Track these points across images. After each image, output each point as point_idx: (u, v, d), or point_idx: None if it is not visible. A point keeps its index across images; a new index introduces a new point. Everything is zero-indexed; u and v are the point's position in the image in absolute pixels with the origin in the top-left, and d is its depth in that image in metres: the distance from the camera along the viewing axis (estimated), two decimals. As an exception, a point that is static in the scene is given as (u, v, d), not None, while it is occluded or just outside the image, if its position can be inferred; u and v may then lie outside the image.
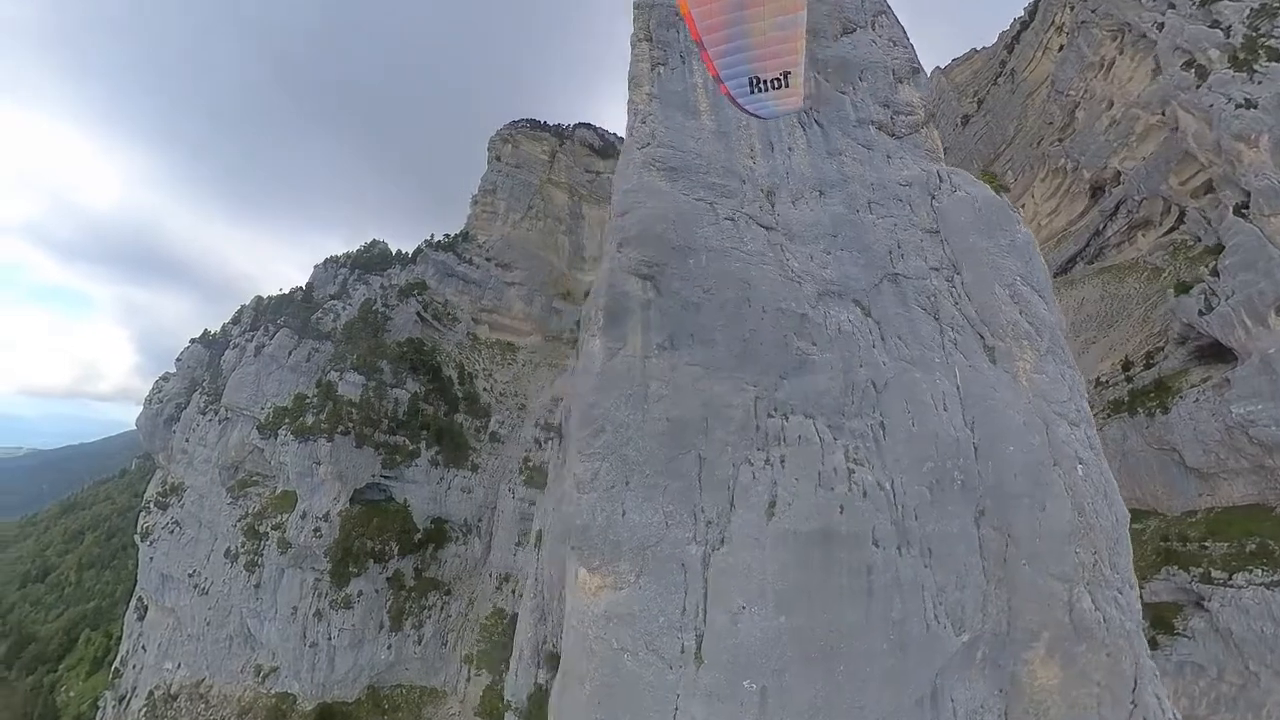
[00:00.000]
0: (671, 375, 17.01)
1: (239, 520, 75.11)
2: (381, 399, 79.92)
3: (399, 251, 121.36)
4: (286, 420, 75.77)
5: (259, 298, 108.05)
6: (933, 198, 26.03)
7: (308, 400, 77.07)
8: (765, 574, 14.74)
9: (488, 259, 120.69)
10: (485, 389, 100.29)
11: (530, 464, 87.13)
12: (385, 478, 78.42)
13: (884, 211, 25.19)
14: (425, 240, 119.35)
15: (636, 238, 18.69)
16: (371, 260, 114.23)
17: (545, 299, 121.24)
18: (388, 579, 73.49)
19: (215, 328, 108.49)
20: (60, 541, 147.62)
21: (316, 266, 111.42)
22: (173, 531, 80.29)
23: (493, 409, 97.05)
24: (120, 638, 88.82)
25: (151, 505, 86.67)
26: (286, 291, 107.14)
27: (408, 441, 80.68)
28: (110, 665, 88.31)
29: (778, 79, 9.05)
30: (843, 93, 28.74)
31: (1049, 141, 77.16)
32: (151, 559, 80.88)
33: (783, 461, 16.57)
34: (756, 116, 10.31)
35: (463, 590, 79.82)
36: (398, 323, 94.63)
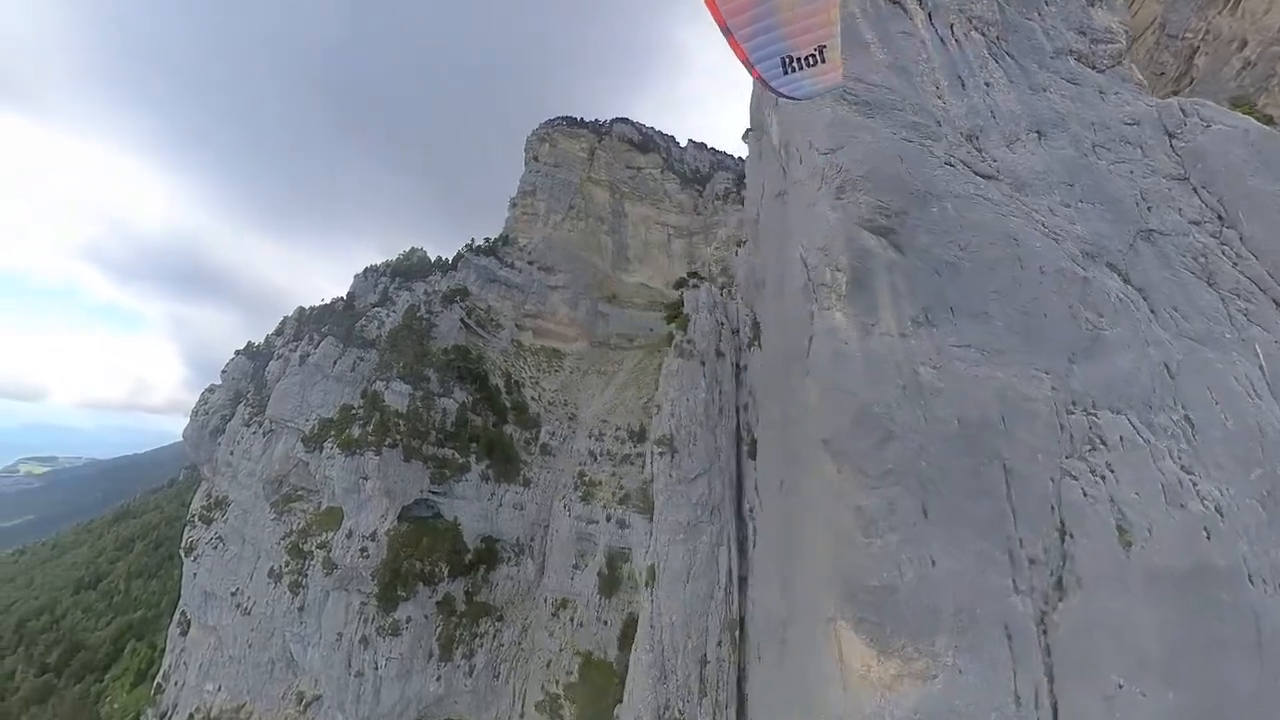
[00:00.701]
0: (939, 359, 12.88)
1: (283, 538, 73.50)
2: (429, 409, 77.69)
3: (439, 258, 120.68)
4: (332, 432, 74.07)
5: (301, 308, 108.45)
6: (1172, 136, 21.27)
7: (354, 411, 75.33)
8: (1139, 632, 10.33)
9: (529, 262, 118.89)
10: (533, 398, 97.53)
11: (586, 479, 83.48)
12: (434, 493, 75.84)
13: (1113, 156, 20.58)
14: (466, 244, 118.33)
15: (865, 179, 14.63)
16: (411, 268, 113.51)
17: (590, 302, 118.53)
18: (437, 604, 70.43)
19: (258, 340, 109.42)
20: (112, 549, 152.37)
21: (356, 276, 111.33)
22: (216, 547, 79.43)
23: (542, 419, 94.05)
24: (164, 650, 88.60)
25: (196, 519, 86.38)
26: (328, 302, 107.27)
27: (457, 454, 78.06)
28: (153, 679, 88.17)
29: (812, 55, 8.86)
30: (1029, 19, 24.32)
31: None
32: (194, 575, 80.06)
33: (1112, 471, 12.20)
34: (792, 99, 10.05)
35: (515, 616, 76.24)
36: (443, 329, 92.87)
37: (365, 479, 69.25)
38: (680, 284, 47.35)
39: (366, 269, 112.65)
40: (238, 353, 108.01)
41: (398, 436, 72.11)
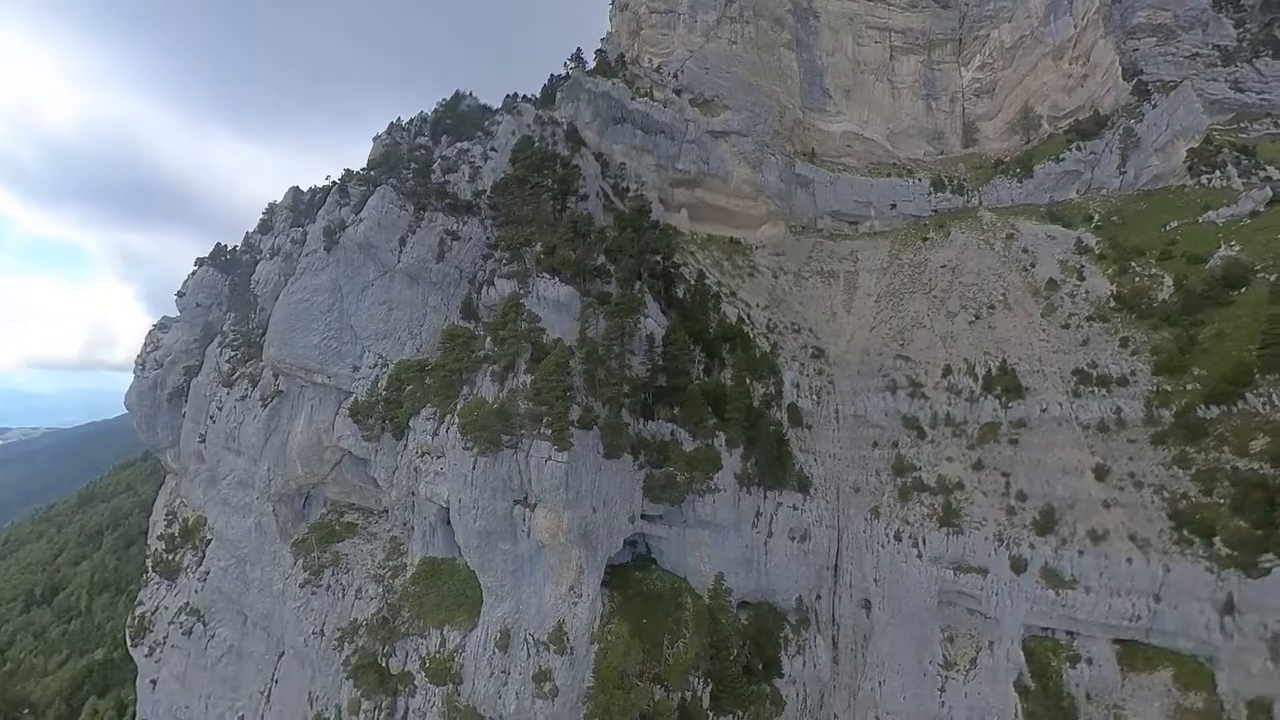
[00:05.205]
0: None
1: (334, 638, 35.75)
2: (627, 339, 37.84)
3: (514, 96, 75.76)
4: (428, 396, 35.22)
5: (298, 189, 67.32)
6: None
7: (469, 342, 35.88)
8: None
9: (676, 91, 75.53)
10: (742, 320, 57.60)
11: (918, 477, 44.47)
12: (647, 519, 37.67)
13: None
14: (569, 60, 74.28)
15: None
16: (462, 120, 67.65)
17: (781, 161, 75.65)
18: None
19: (234, 242, 69.33)
20: (75, 545, 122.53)
21: (377, 139, 66.83)
22: (188, 633, 42.80)
23: (779, 360, 54.51)
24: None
25: (151, 567, 49.85)
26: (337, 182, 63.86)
27: (690, 436, 39.22)
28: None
29: None
30: None
31: None
32: (153, 682, 44.01)
33: None
34: None
35: (824, 762, 39.70)
36: (588, 182, 51.66)
37: (530, 506, 30.67)
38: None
39: (392, 125, 68.28)
40: (201, 263, 68.56)
41: (591, 404, 32.99)
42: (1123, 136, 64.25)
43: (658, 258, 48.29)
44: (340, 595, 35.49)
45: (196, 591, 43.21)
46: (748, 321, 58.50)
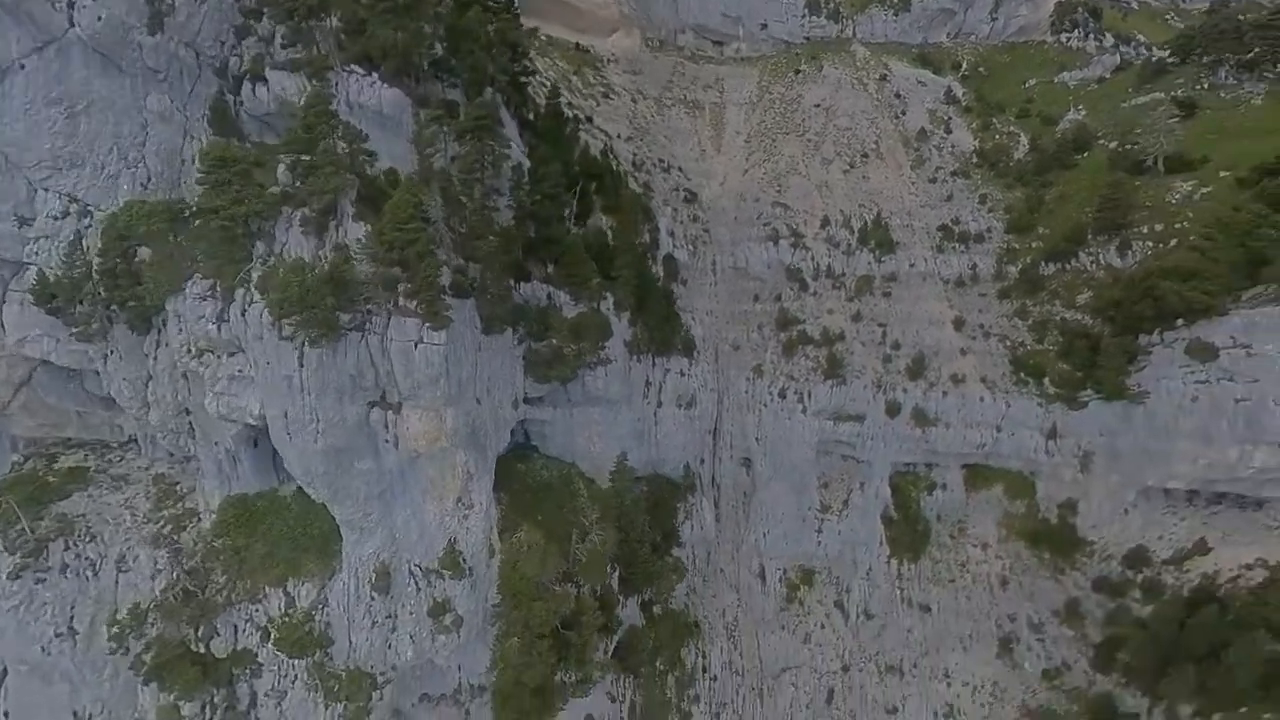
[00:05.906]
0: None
1: (95, 639, 26.15)
2: (490, 172, 29.13)
3: None
4: (191, 260, 23.75)
5: None
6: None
7: (257, 174, 24.08)
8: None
9: None
10: (607, 153, 50.47)
11: (801, 329, 45.58)
12: (528, 402, 32.93)
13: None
14: None
15: None
16: None
17: (638, -52, 63.77)
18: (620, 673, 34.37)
19: None
20: None
21: None
22: None
23: (652, 205, 49.56)
24: None
25: None
26: None
27: (570, 299, 33.71)
28: None
29: None
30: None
31: None
32: None
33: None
34: None
35: (714, 617, 43.47)
36: None
37: (392, 407, 23.61)
38: None
39: None
40: None
41: (460, 263, 25.40)
42: (1003, -24, 66.00)
43: (507, 56, 37.55)
44: (90, 575, 25.38)
45: None
46: (613, 155, 51.62)
